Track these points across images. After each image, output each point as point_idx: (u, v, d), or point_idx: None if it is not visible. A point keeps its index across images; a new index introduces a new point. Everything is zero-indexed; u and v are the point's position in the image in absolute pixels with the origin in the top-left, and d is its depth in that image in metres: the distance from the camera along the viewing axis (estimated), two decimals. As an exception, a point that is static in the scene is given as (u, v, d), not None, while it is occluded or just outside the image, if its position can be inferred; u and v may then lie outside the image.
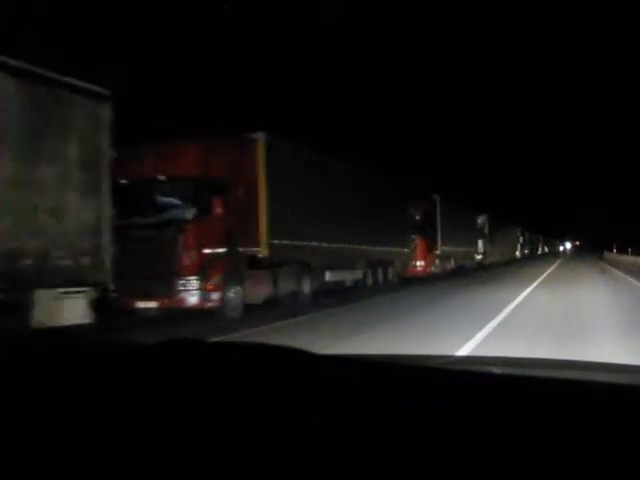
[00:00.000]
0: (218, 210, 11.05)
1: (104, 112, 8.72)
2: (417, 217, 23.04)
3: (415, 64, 40.49)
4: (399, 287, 18.86)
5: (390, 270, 19.77)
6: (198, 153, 10.98)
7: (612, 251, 56.31)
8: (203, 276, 10.51)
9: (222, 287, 10.91)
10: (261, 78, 25.61)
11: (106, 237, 8.67)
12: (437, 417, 0.82)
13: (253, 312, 11.44)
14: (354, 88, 31.68)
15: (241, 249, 11.76)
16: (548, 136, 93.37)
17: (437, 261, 24.74)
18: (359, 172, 17.45)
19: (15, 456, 0.75)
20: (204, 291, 10.52)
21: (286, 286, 13.18)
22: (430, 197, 24.81)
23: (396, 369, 1.22)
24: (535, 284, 20.11)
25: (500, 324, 9.74)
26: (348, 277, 16.76)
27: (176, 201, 10.92)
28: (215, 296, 10.74)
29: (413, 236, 22.77)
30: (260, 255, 12.21)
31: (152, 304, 10.41)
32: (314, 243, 14.27)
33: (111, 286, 8.78)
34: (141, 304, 10.41)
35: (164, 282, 10.18)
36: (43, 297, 7.63)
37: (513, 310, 11.95)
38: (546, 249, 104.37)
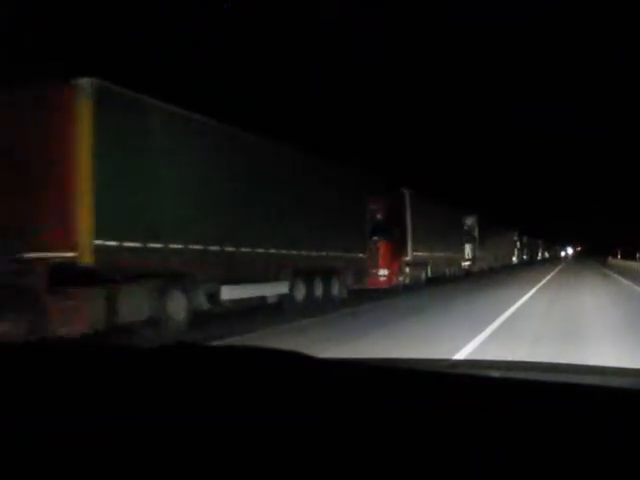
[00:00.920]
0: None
1: None
2: (378, 215, 18.55)
3: (415, 64, 40.90)
4: (341, 306, 14.35)
5: (335, 282, 15.30)
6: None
7: (617, 257, 52.28)
8: None
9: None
10: (261, 78, 25.66)
11: None
12: (436, 420, 0.82)
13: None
14: (354, 88, 31.31)
15: (33, 254, 7.36)
16: (548, 136, 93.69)
17: (407, 269, 20.21)
18: (285, 153, 13.01)
19: (16, 459, 0.75)
20: None
21: (136, 311, 8.70)
22: (397, 191, 20.31)
23: (395, 372, 1.25)
24: (526, 297, 15.83)
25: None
26: (266, 292, 12.28)
27: None
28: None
29: (374, 238, 18.31)
30: (81, 263, 7.76)
31: None
32: (195, 246, 9.82)
33: None
34: None
35: None
36: None
37: (489, 337, 8.74)
38: (546, 254, 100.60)
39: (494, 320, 10.64)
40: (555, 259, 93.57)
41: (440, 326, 10.36)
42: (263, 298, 12.52)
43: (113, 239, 8.11)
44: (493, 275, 32.69)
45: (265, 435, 0.78)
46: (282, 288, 12.74)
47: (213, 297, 10.54)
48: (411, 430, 0.79)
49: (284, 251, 12.54)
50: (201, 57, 21.65)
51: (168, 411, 0.86)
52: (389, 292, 18.19)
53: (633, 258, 46.04)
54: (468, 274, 31.47)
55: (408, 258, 20.14)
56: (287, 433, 0.79)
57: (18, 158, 7.63)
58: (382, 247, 18.49)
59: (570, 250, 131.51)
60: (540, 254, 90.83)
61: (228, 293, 10.87)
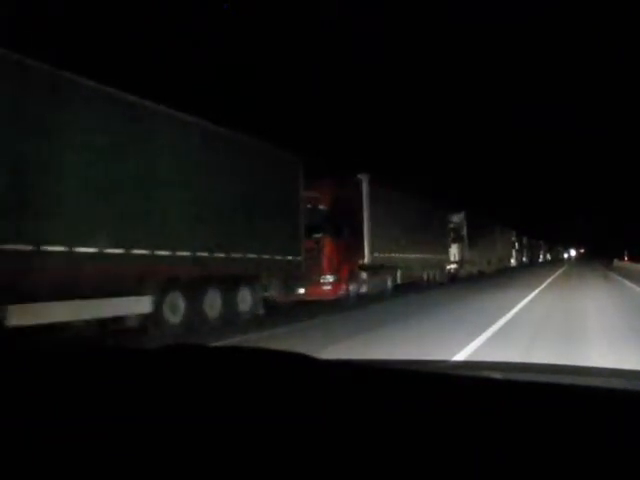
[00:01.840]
0: None
1: None
2: (322, 206, 14.46)
3: (415, 64, 41.58)
4: (243, 328, 10.07)
5: (246, 294, 11.23)
6: None
7: (623, 259, 48.11)
8: None
9: None
10: (261, 78, 26.24)
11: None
12: (438, 421, 0.82)
13: None
14: (354, 88, 31.74)
15: None
16: (548, 136, 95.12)
17: (364, 275, 16.07)
18: (164, 119, 9.03)
19: (17, 459, 0.75)
20: None
21: None
22: (351, 176, 16.20)
23: (397, 374, 1.26)
24: (515, 311, 11.91)
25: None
26: (105, 311, 8.19)
27: None
28: None
29: (317, 235, 14.25)
30: None
31: None
32: None
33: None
34: None
35: None
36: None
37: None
38: (548, 256, 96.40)
39: (463, 348, 6.87)
40: (557, 261, 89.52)
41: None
42: (117, 320, 8.49)
43: None
44: (483, 280, 28.50)
45: (267, 436, 0.77)
46: (139, 305, 8.65)
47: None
48: (413, 431, 0.79)
49: (144, 252, 8.49)
50: (201, 57, 21.64)
51: (170, 412, 0.86)
52: (335, 305, 14.10)
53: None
54: (454, 279, 27.33)
55: (365, 261, 16.02)
56: (289, 434, 0.78)
57: None
58: (327, 247, 14.38)
59: (573, 252, 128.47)
60: (542, 256, 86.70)
61: (17, 317, 6.81)
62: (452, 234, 28.16)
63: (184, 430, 0.80)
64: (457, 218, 28.98)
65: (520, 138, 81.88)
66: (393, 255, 17.87)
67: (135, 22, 18.95)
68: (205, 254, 9.77)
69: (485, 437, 0.77)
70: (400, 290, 18.62)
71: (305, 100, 26.29)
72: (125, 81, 8.38)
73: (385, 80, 36.90)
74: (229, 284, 10.72)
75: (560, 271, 41.66)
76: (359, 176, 16.13)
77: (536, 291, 20.30)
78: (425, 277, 22.14)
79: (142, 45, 19.09)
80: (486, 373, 1.72)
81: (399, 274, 18.97)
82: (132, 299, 8.48)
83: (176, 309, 9.43)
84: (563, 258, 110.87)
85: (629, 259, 47.66)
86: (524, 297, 16.62)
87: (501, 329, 9.40)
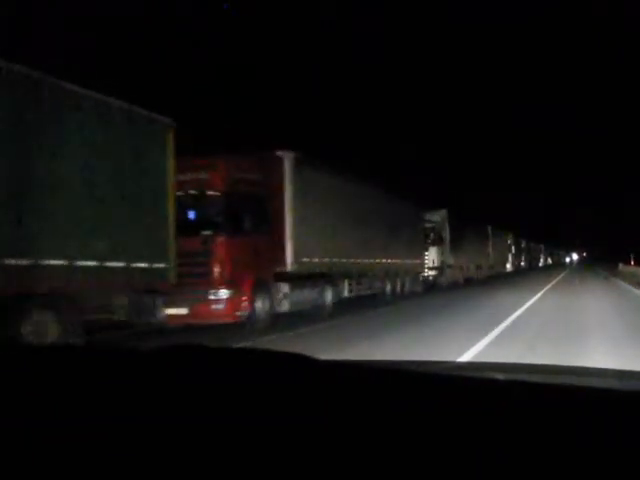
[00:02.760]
0: None
1: None
2: (212, 191, 10.24)
3: (415, 64, 41.26)
4: None
5: (42, 322, 7.02)
6: None
7: (629, 263, 44.00)
8: None
9: None
10: (261, 78, 25.64)
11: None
12: (441, 422, 0.82)
13: None
14: (354, 88, 30.94)
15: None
16: (548, 136, 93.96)
17: (286, 287, 11.75)
18: None
19: (17, 460, 0.74)
20: None
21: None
22: (263, 153, 11.89)
23: (399, 375, 1.24)
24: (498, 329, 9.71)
25: None
26: None
27: None
28: None
29: (204, 233, 10.05)
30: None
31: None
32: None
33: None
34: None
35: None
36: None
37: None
38: (549, 260, 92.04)
39: None
40: (559, 265, 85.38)
41: None
42: None
43: None
44: (466, 290, 24.23)
45: (268, 437, 0.77)
46: None
47: None
48: (416, 432, 0.79)
49: None
50: (201, 57, 21.57)
51: (169, 413, 0.85)
52: (224, 334, 9.88)
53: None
54: (433, 288, 23.08)
55: (288, 268, 11.74)
56: (291, 435, 0.78)
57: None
58: (220, 248, 10.09)
59: (575, 255, 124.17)
60: (542, 260, 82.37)
61: None
62: (431, 235, 23.93)
63: (183, 431, 0.79)
64: (437, 217, 24.72)
65: (520, 137, 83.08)
66: (336, 260, 13.61)
67: (135, 22, 18.76)
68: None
69: (488, 438, 0.76)
70: (347, 306, 14.35)
71: (305, 100, 26.27)
72: (125, 81, 8.84)
73: (385, 80, 37.58)
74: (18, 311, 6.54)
75: (560, 277, 37.32)
76: (279, 153, 11.87)
77: (529, 303, 16.11)
78: (389, 288, 17.81)
79: (142, 45, 19.00)
80: (490, 374, 1.71)
81: (346, 285, 14.68)
82: None
83: None
84: (565, 262, 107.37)
85: (635, 263, 43.55)
86: (509, 315, 12.49)
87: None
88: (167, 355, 1.12)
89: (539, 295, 19.62)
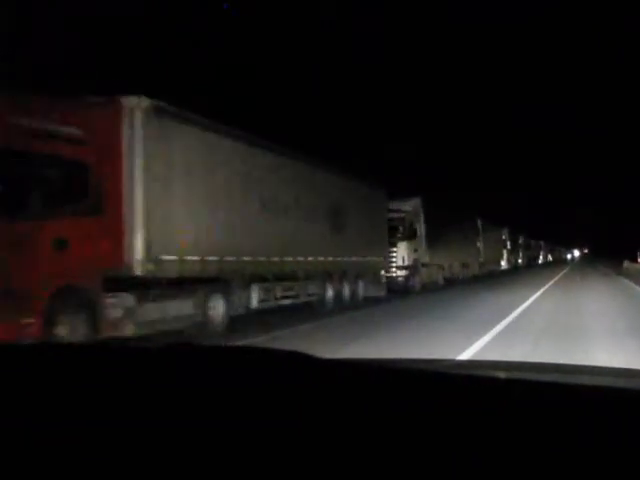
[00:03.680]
0: None
1: None
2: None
3: (415, 64, 40.70)
4: None
5: None
6: None
7: (636, 261, 40.08)
8: None
9: None
10: (261, 78, 25.52)
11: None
12: (441, 420, 0.81)
13: None
14: (354, 88, 31.32)
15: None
16: (548, 134, 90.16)
17: (129, 301, 7.64)
18: None
19: (17, 459, 0.74)
20: None
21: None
22: (105, 98, 7.83)
23: (398, 373, 1.23)
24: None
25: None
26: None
27: None
28: None
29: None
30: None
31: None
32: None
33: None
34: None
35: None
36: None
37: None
38: (550, 258, 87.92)
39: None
40: (560, 262, 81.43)
41: None
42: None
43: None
44: (445, 293, 20.21)
45: (268, 436, 0.76)
46: None
47: None
48: (415, 430, 0.78)
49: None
50: (201, 57, 21.37)
51: (169, 411, 0.84)
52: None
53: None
54: (406, 291, 19.10)
55: (137, 270, 7.74)
56: (291, 433, 0.78)
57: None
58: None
59: (577, 252, 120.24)
60: (542, 257, 78.21)
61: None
62: (401, 228, 19.89)
63: (183, 430, 0.78)
64: (408, 206, 20.66)
65: (519, 137, 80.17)
66: (231, 259, 9.59)
67: (135, 22, 18.58)
68: None
69: (488, 436, 0.76)
70: (252, 322, 10.35)
71: (305, 99, 26.17)
72: (125, 81, 8.52)
73: (385, 80, 36.70)
74: None
75: (560, 275, 33.24)
76: (123, 100, 7.82)
77: (516, 313, 12.25)
78: (330, 294, 13.79)
79: (142, 45, 18.89)
80: (491, 372, 1.68)
81: (255, 292, 10.69)
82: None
83: None
84: (566, 259, 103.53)
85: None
86: (488, 330, 8.69)
87: None
88: (167, 354, 1.14)
89: (533, 299, 15.70)
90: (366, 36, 31.10)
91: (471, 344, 8.05)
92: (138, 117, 7.84)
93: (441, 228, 22.92)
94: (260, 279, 10.74)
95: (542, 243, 79.88)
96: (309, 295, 12.79)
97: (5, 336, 6.04)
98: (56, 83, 9.63)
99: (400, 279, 19.55)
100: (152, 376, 1.00)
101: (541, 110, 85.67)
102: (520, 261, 53.79)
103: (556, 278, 30.04)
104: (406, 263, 19.73)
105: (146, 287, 7.93)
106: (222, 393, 0.90)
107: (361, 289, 15.53)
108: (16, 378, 0.99)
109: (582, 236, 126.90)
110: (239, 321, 10.04)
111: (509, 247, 45.38)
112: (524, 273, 39.98)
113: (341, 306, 13.94)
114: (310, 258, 12.43)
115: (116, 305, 7.50)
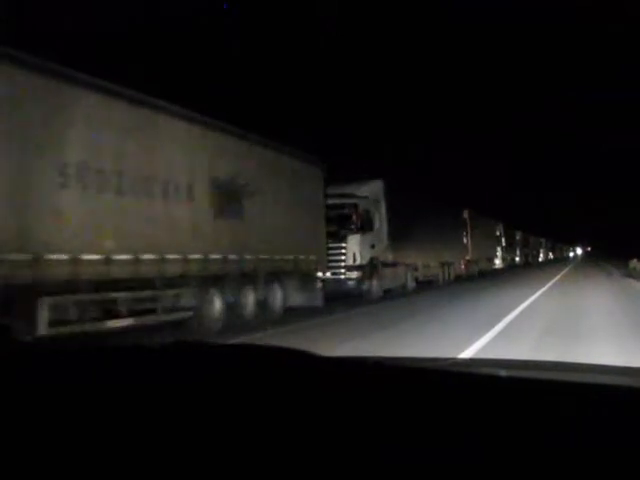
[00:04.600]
0: None
1: None
2: None
3: (415, 64, 41.42)
4: None
5: None
6: None
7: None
8: None
9: None
10: (261, 78, 25.69)
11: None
12: (442, 418, 0.81)
13: None
14: (354, 88, 31.59)
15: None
16: (549, 132, 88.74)
17: None
18: None
19: (17, 459, 0.73)
20: None
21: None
22: None
23: (399, 370, 1.23)
24: None
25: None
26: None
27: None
28: None
29: None
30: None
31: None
32: None
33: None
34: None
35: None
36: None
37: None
38: (551, 255, 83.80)
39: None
40: (562, 260, 77.37)
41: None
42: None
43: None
44: (412, 301, 15.99)
45: (268, 433, 0.76)
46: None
47: None
48: (416, 428, 0.77)
49: None
50: (201, 57, 21.56)
51: (171, 409, 0.84)
52: None
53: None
54: (361, 298, 14.92)
55: None
56: (291, 430, 0.77)
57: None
58: None
59: (579, 250, 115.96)
60: (543, 255, 73.93)
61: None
62: (354, 217, 15.68)
63: (184, 427, 0.78)
64: (365, 191, 16.41)
65: (519, 136, 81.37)
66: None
67: (135, 22, 18.26)
68: None
69: (489, 433, 0.75)
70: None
71: (305, 99, 26.38)
72: (125, 81, 8.10)
73: (385, 80, 38.08)
74: None
75: (559, 276, 29.00)
76: None
77: (492, 333, 8.31)
78: (216, 307, 9.56)
79: (141, 45, 19.06)
80: (492, 370, 1.66)
81: (43, 314, 6.47)
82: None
83: None
84: (568, 256, 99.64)
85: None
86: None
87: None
88: (169, 351, 1.14)
89: (519, 310, 11.55)
90: (366, 36, 31.73)
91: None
92: None
93: (412, 220, 18.70)
94: (54, 290, 6.55)
95: (543, 240, 75.77)
96: (176, 310, 8.59)
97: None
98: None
99: (351, 282, 15.35)
100: (153, 374, 0.99)
101: (540, 105, 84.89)
102: (517, 259, 49.54)
103: (555, 279, 25.79)
104: (358, 262, 15.50)
105: None
106: (221, 391, 0.89)
107: (279, 298, 11.31)
108: (16, 378, 0.98)
109: (585, 234, 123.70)
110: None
111: (504, 244, 41.12)
112: (520, 273, 35.67)
113: (244, 322, 9.82)
114: (172, 256, 8.24)
115: None
